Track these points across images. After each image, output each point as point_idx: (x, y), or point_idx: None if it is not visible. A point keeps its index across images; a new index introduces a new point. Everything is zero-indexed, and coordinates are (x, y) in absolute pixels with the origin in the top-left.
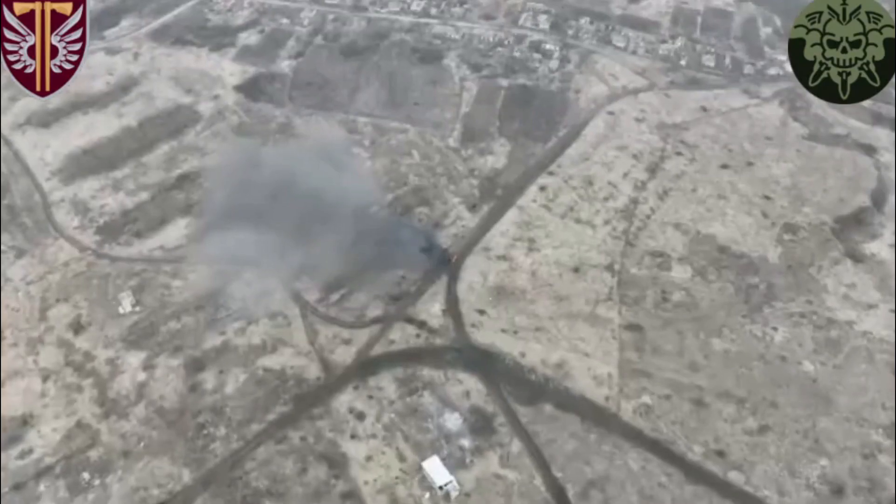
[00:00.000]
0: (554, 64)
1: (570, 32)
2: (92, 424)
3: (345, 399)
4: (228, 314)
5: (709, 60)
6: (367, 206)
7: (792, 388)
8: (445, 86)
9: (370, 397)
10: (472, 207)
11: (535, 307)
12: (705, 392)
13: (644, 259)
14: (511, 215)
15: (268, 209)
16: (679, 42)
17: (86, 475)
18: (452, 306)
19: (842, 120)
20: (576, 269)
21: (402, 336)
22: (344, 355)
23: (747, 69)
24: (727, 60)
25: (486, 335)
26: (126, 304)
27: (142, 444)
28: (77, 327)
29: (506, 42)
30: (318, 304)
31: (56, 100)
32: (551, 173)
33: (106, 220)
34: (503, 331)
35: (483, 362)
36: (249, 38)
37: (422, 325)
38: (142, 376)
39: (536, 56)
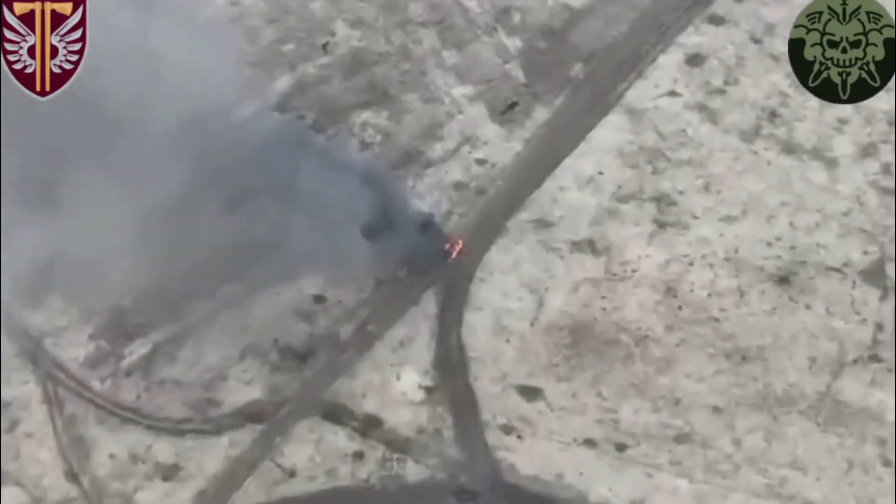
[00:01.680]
0: None
1: None
2: None
3: None
4: None
5: None
6: (224, 107)
7: None
8: None
9: None
10: (505, 111)
11: (674, 378)
12: None
13: None
14: (606, 133)
15: None
16: None
17: None
18: (452, 374)
19: None
20: (784, 279)
21: (318, 456)
22: None
23: None
24: None
25: (540, 453)
26: None
27: None
28: None
29: None
30: (91, 370)
31: None
32: (716, 20)
33: None
34: (587, 443)
35: None
36: None
37: (370, 425)
38: None
39: None
